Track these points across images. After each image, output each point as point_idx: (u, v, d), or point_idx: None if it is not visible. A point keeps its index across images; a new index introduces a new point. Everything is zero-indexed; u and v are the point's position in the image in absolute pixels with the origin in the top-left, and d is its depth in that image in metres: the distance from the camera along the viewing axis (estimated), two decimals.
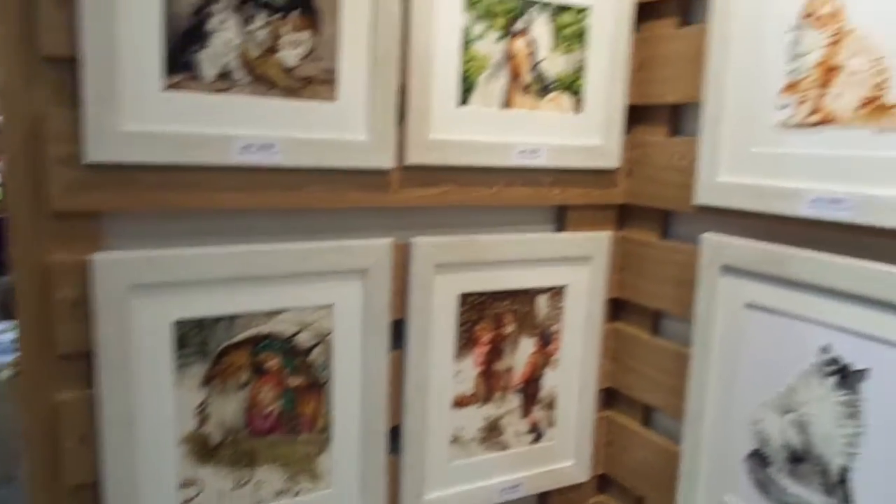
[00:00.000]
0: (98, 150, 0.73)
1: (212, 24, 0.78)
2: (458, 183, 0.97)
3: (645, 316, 1.13)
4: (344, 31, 0.85)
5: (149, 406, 0.81)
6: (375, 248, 0.92)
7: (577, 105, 1.05)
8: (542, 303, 1.08)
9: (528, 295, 1.06)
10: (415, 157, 0.92)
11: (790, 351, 0.87)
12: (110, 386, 0.78)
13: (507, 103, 0.99)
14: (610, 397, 1.20)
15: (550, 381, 1.11)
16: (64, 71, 0.72)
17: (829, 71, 0.82)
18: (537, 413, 1.11)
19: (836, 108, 0.81)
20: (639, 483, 1.14)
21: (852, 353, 0.80)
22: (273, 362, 0.88)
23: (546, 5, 0.99)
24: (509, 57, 0.98)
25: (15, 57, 0.71)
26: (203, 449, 0.85)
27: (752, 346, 0.92)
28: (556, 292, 1.09)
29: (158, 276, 0.79)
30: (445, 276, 0.98)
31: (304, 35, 0.83)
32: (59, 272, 0.75)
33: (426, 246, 0.95)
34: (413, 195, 0.94)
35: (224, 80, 0.79)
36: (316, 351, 0.90)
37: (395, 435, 1.00)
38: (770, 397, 0.90)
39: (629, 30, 1.06)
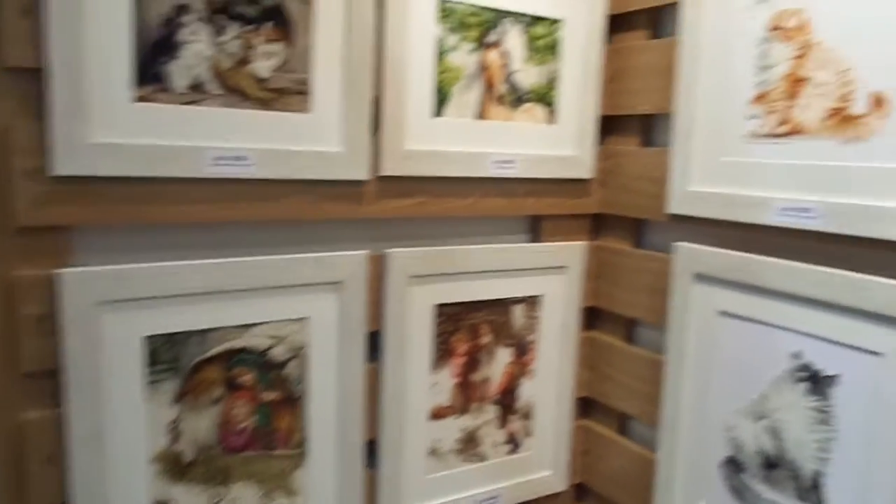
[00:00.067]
0: (65, 162, 0.72)
1: (182, 35, 0.77)
2: (433, 194, 0.97)
3: (620, 324, 1.14)
4: (317, 43, 0.85)
5: (119, 424, 0.79)
6: (350, 260, 0.91)
7: (551, 116, 1.05)
8: (517, 313, 1.08)
9: (503, 305, 1.06)
10: (390, 169, 0.92)
11: (762, 358, 0.88)
12: (78, 404, 0.76)
13: (482, 114, 0.99)
14: (586, 406, 1.20)
15: (527, 391, 1.11)
16: (30, 82, 0.71)
17: (796, 83, 0.84)
18: (514, 423, 1.11)
19: (804, 119, 0.83)
20: (616, 491, 1.14)
21: (823, 360, 0.81)
22: (247, 377, 0.86)
23: (519, 17, 1.00)
24: (483, 68, 0.98)
25: None
26: (175, 467, 0.83)
27: (725, 353, 0.93)
28: (532, 302, 1.09)
29: (128, 291, 0.77)
30: (421, 287, 0.98)
31: (277, 46, 0.82)
32: (25, 288, 0.73)
33: (401, 257, 0.95)
34: (388, 206, 0.94)
35: (195, 92, 0.78)
36: (291, 364, 0.89)
37: (371, 448, 0.99)
38: (743, 404, 0.91)
39: (601, 42, 1.07)
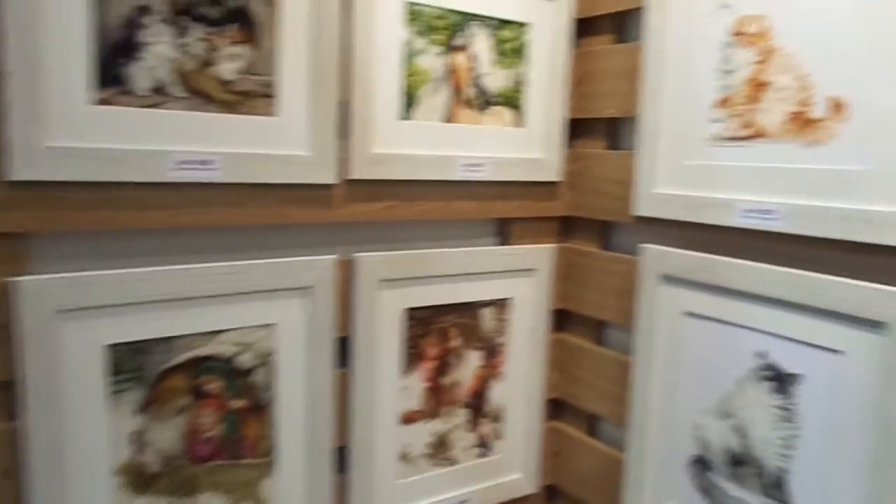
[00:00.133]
0: (23, 167, 0.70)
1: (144, 36, 0.75)
2: (401, 197, 0.97)
3: (588, 326, 1.14)
4: (283, 46, 0.84)
5: (80, 436, 0.77)
6: (318, 265, 0.90)
7: (519, 119, 1.06)
8: (487, 316, 1.08)
9: (473, 308, 1.06)
10: (358, 172, 0.91)
11: (728, 357, 0.90)
12: (37, 416, 0.74)
13: (450, 118, 0.99)
14: (556, 408, 1.21)
15: (497, 393, 1.11)
16: None
17: (758, 87, 0.85)
18: (485, 427, 1.11)
19: (766, 123, 0.85)
20: (586, 492, 1.15)
21: (786, 359, 0.83)
22: (214, 385, 0.85)
23: (486, 21, 1.00)
24: (451, 71, 0.98)
25: None
26: (139, 479, 0.81)
27: (691, 353, 0.94)
28: (501, 305, 1.09)
29: (89, 299, 0.75)
30: (390, 291, 0.97)
31: (242, 49, 0.81)
32: None
33: (370, 261, 0.94)
34: (357, 210, 0.93)
35: (158, 95, 0.77)
36: (258, 372, 0.88)
37: (341, 454, 0.98)
38: (710, 403, 0.92)
39: (568, 45, 1.08)
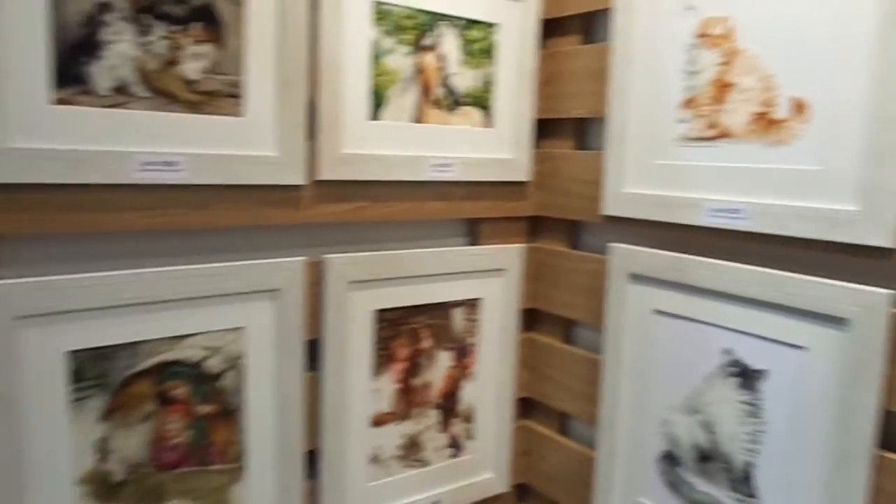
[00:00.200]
0: None
1: (105, 34, 0.73)
2: (371, 198, 0.96)
3: (558, 325, 1.15)
4: (250, 44, 0.82)
5: (41, 445, 0.75)
6: (287, 267, 0.89)
7: (488, 119, 1.06)
8: (457, 316, 1.08)
9: (443, 309, 1.06)
10: (327, 173, 0.90)
11: (696, 354, 0.91)
12: None
13: (419, 118, 0.99)
14: (527, 407, 1.21)
15: (468, 394, 1.11)
16: None
17: (723, 88, 0.87)
18: (456, 427, 1.11)
19: (731, 123, 0.86)
20: (557, 490, 1.16)
21: (752, 355, 0.85)
22: (180, 390, 0.83)
23: (455, 21, 1.00)
24: (419, 71, 0.98)
25: None
26: (104, 488, 0.79)
27: (660, 351, 0.95)
28: (472, 305, 1.09)
29: (50, 304, 0.73)
30: (360, 292, 0.97)
31: (207, 48, 0.79)
32: None
33: (340, 263, 0.93)
34: (326, 211, 0.92)
35: (120, 94, 0.75)
36: (227, 376, 0.86)
37: (312, 458, 0.97)
38: (678, 400, 0.94)
39: (535, 46, 1.08)
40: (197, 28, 0.79)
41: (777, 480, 0.83)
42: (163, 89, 0.77)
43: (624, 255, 0.98)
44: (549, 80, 1.11)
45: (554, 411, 1.16)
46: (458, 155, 1.02)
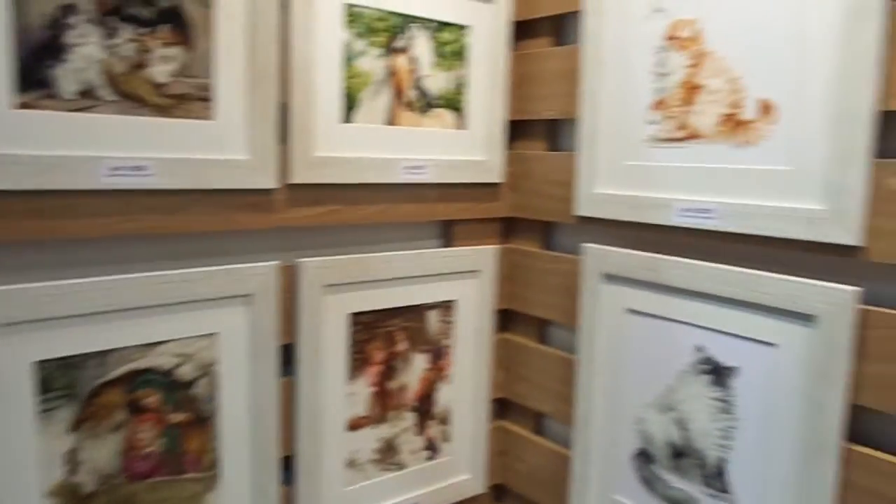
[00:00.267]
0: None
1: (70, 37, 0.72)
2: (344, 201, 0.96)
3: (533, 325, 1.16)
4: (219, 47, 0.81)
5: (7, 458, 0.73)
6: (260, 272, 0.88)
7: (460, 121, 1.06)
8: (432, 318, 1.08)
9: (418, 311, 1.06)
10: (299, 176, 0.89)
11: (668, 352, 0.92)
12: None
13: (392, 120, 0.98)
14: (502, 407, 1.22)
15: (444, 395, 1.11)
16: None
17: (691, 90, 0.88)
18: (432, 429, 1.11)
19: (700, 125, 0.87)
20: (533, 490, 1.16)
21: (723, 352, 0.86)
22: (152, 399, 0.82)
23: (426, 23, 0.99)
24: (392, 73, 0.98)
25: None
26: (74, 500, 0.77)
27: (633, 349, 0.96)
28: (446, 307, 1.09)
29: (14, 313, 0.71)
30: (335, 296, 0.96)
31: (176, 50, 0.78)
32: None
33: (313, 267, 0.93)
34: (299, 215, 0.91)
35: (86, 98, 0.73)
36: (200, 383, 0.85)
37: (287, 464, 0.96)
38: (652, 397, 0.95)
39: (507, 48, 1.09)
40: (165, 30, 0.77)
41: (749, 475, 0.84)
42: (130, 93, 0.76)
43: (597, 255, 0.99)
44: (520, 82, 1.12)
45: (529, 411, 1.17)
46: (430, 157, 1.02)
